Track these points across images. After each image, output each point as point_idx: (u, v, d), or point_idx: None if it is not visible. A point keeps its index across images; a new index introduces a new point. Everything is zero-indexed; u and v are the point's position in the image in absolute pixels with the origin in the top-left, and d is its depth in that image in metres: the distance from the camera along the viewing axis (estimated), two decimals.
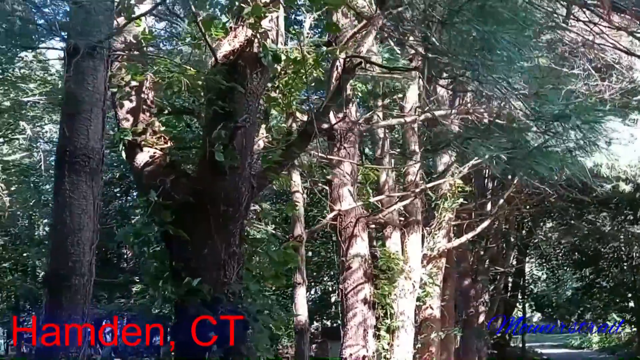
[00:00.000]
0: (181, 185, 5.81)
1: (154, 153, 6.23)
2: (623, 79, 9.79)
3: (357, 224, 9.26)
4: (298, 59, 6.53)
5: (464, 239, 12.62)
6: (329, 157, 8.64)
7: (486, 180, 18.11)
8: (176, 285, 5.49)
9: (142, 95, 6.54)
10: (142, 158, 6.24)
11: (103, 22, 4.60)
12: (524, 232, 22.73)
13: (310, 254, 20.97)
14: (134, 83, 6.47)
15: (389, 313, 10.62)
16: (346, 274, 9.33)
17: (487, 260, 18.71)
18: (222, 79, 5.58)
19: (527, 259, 26.95)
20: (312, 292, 24.54)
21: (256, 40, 5.83)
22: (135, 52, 6.34)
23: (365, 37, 6.26)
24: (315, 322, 24.83)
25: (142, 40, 6.61)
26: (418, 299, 12.04)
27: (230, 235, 5.67)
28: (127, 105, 6.47)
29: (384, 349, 9.55)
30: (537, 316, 50.69)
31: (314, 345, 25.77)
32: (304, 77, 6.68)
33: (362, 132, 9.82)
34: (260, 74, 5.92)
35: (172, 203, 5.73)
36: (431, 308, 12.28)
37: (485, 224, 12.82)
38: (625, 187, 8.97)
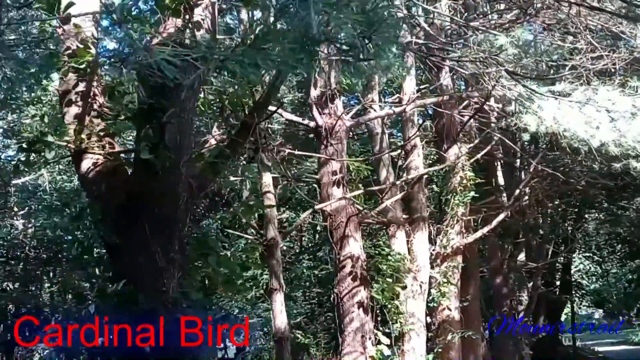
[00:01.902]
0: (117, 189, 5.50)
1: (97, 159, 5.96)
2: (633, 49, 8.99)
3: (348, 223, 8.74)
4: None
5: (479, 234, 11.88)
6: (312, 154, 8.18)
7: (516, 171, 17.24)
8: (111, 294, 5.16)
9: (89, 100, 6.32)
10: (86, 164, 5.98)
11: None
12: (567, 224, 21.54)
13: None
14: (80, 88, 6.26)
15: (396, 316, 10.05)
16: (340, 277, 8.83)
17: (521, 256, 17.77)
18: (149, 74, 5.23)
19: (575, 253, 25.56)
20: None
21: (187, 30, 5.48)
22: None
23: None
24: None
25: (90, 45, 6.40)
26: (433, 300, 11.42)
27: (168, 240, 5.29)
28: (73, 110, 6.23)
29: (383, 355, 8.94)
30: (598, 312, 48.60)
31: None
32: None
33: (349, 128, 9.31)
34: (195, 66, 5.56)
35: (109, 208, 5.46)
36: (448, 309, 11.59)
37: (501, 217, 12.02)
38: (637, 165, 8.14)
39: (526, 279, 18.57)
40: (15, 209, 12.09)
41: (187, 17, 5.56)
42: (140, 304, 5.01)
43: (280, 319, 7.05)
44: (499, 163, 16.03)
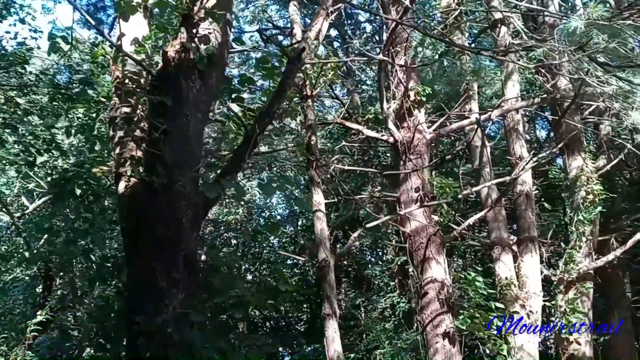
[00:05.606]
0: (132, 210, 5.51)
1: (129, 181, 6.06)
2: None
3: (428, 244, 7.94)
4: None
5: (611, 256, 10.18)
6: (368, 169, 7.58)
7: None
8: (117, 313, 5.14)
9: (132, 126, 6.49)
10: (121, 186, 6.11)
11: None
12: None
13: None
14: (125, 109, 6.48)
15: (496, 347, 8.91)
16: (422, 304, 8.02)
17: None
18: (150, 92, 5.20)
19: None
20: None
21: (193, 45, 5.37)
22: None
23: (314, 20, 5.42)
24: None
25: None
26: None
27: (170, 260, 5.13)
28: (118, 134, 6.44)
29: None
30: None
31: None
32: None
33: (430, 141, 8.52)
34: (201, 80, 5.42)
35: (127, 228, 5.49)
36: (577, 343, 10.04)
37: (637, 236, 10.19)
38: None
39: None
40: None
41: (193, 31, 5.48)
42: (138, 324, 4.90)
43: (334, 347, 6.53)
44: None
